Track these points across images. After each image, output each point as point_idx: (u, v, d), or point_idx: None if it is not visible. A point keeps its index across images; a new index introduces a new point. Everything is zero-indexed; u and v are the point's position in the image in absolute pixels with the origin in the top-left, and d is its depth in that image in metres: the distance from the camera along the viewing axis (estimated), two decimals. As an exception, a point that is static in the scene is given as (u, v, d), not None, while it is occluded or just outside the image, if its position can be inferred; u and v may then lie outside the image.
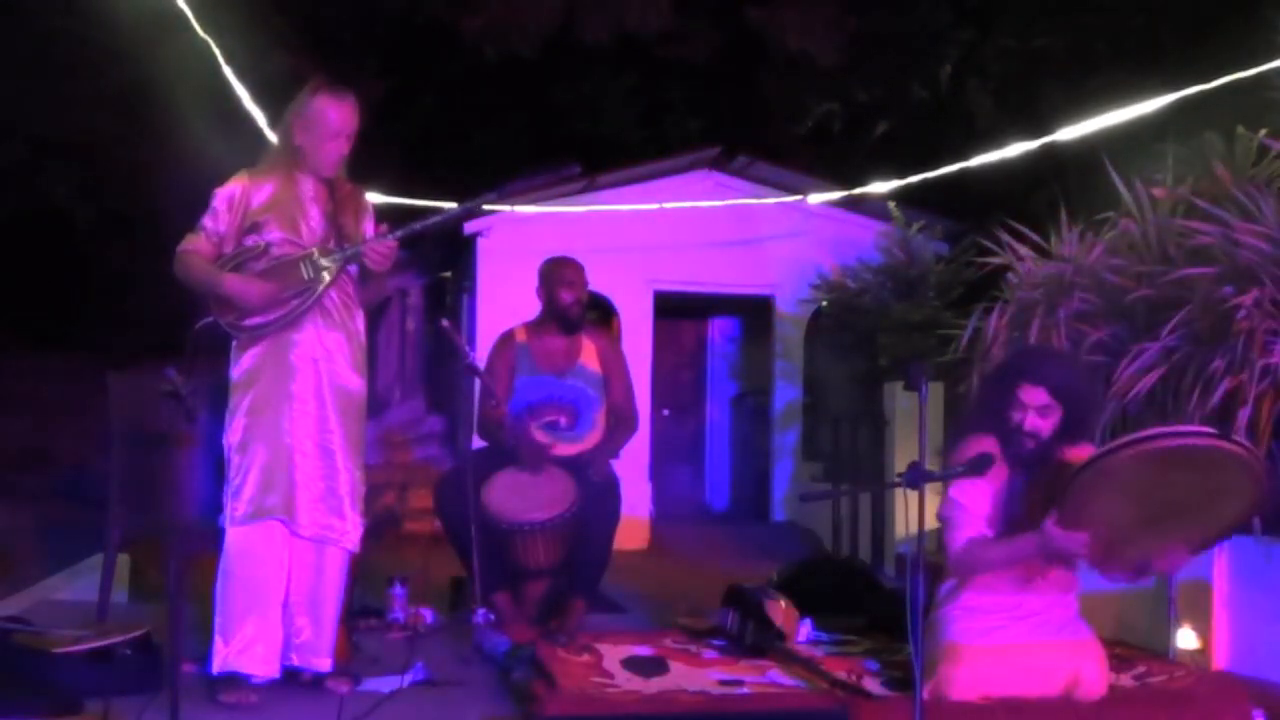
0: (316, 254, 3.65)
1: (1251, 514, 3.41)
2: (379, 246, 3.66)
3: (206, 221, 3.68)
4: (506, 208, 8.81)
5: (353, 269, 3.77)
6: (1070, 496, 3.24)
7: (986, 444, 3.47)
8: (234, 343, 3.67)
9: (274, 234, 3.65)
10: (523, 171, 3.79)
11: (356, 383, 3.73)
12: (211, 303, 3.64)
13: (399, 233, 3.73)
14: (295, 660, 3.70)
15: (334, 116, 3.66)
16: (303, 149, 3.68)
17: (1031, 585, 3.48)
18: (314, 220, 3.70)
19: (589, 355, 4.93)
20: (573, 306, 4.86)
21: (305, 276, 3.63)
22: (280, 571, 3.61)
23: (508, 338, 4.98)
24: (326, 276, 3.64)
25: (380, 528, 8.53)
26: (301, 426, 3.62)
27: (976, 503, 3.46)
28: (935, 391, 6.91)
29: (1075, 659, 3.45)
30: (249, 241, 3.66)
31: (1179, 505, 3.26)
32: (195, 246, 3.66)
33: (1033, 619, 3.49)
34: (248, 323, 3.62)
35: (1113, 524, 3.27)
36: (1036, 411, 3.47)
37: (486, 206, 8.13)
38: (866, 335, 8.78)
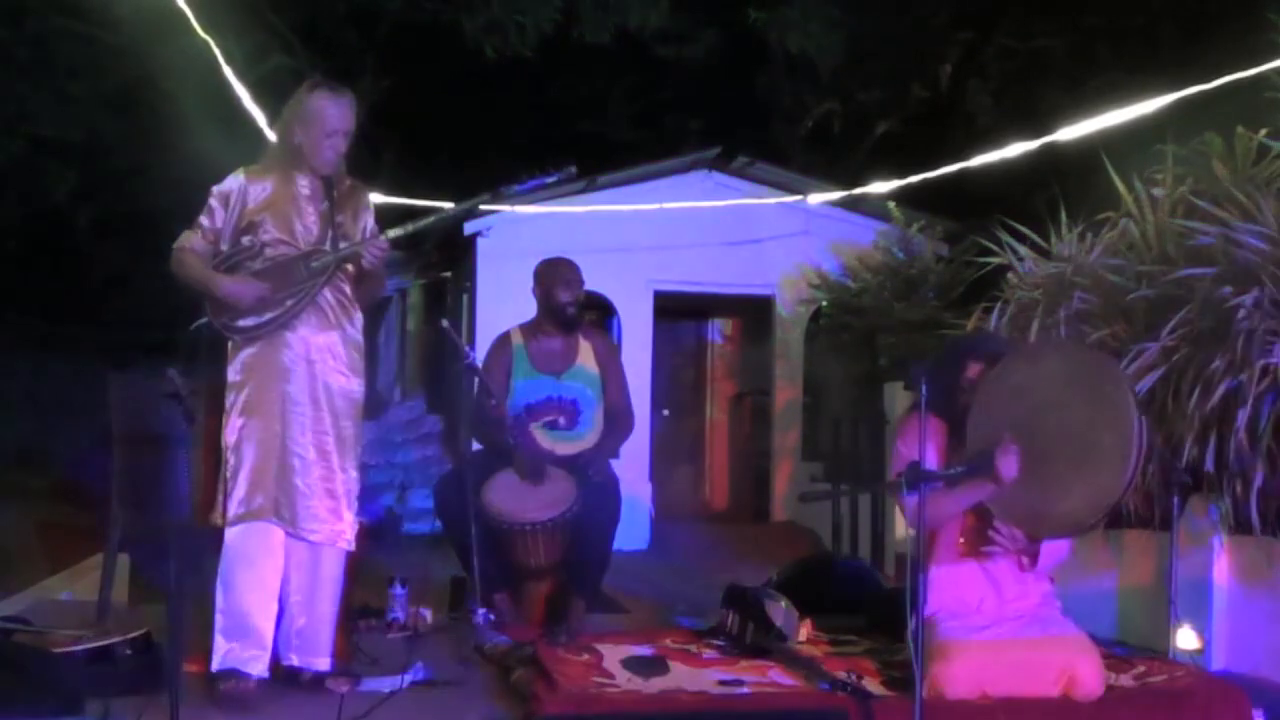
0: (311, 254, 3.65)
1: (1117, 487, 3.39)
2: (373, 247, 3.66)
3: (203, 219, 3.67)
4: (506, 208, 8.80)
5: (349, 268, 3.76)
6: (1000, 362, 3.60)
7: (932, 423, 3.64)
8: (230, 343, 3.67)
9: (269, 234, 3.64)
10: (519, 177, 3.78)
11: (352, 383, 3.72)
12: (207, 302, 3.64)
13: (392, 233, 3.73)
14: (295, 660, 3.70)
15: (332, 114, 3.66)
16: (301, 147, 3.68)
17: (988, 556, 3.58)
18: (310, 220, 3.70)
19: (586, 355, 4.92)
20: (569, 306, 4.86)
21: (300, 277, 3.63)
22: (276, 571, 3.61)
23: (504, 339, 4.97)
24: (321, 277, 3.64)
25: (380, 528, 8.54)
26: (296, 427, 3.61)
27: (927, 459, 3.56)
28: (935, 391, 6.89)
29: (1068, 656, 3.47)
30: (244, 241, 3.65)
31: (1055, 441, 3.42)
32: (192, 244, 3.66)
33: (1019, 618, 3.55)
34: (241, 323, 3.61)
35: (1008, 420, 3.47)
36: None
37: (484, 207, 8.13)
38: (866, 335, 8.78)
